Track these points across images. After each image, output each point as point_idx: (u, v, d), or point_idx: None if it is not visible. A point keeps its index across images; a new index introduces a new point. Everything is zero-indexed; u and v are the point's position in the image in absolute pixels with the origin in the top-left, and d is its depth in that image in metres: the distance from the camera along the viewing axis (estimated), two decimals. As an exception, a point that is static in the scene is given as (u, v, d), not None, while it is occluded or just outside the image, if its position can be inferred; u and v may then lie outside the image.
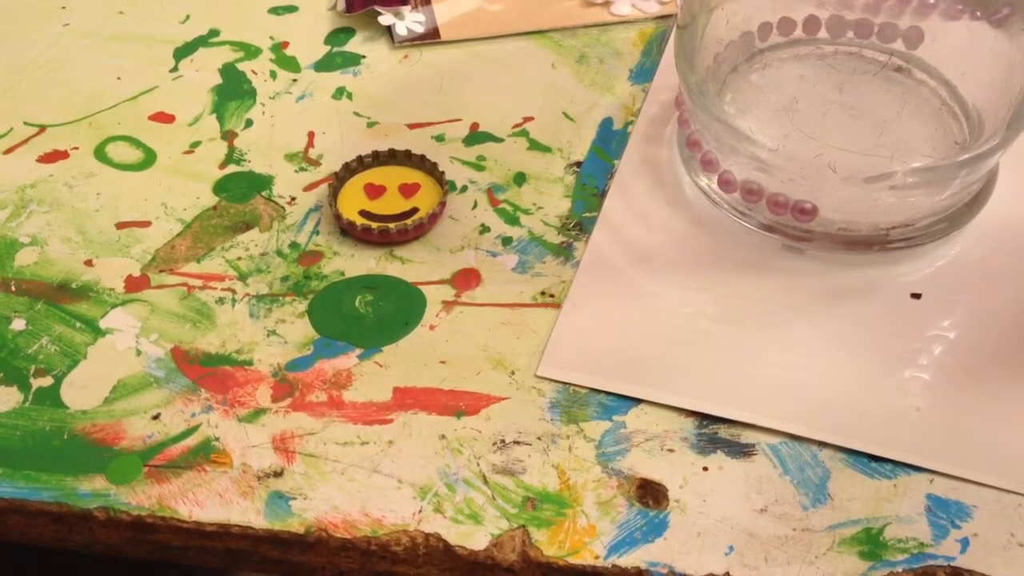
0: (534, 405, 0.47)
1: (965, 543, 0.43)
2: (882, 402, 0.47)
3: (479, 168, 0.56)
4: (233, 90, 0.59)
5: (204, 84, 0.60)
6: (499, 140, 0.57)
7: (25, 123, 0.58)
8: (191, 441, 0.46)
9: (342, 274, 0.51)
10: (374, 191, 0.54)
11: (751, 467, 0.45)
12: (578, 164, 0.56)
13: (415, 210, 0.53)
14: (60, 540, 0.45)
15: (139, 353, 0.48)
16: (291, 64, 0.61)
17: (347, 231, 0.53)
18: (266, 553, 0.44)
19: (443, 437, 0.46)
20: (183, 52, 0.62)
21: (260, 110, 0.58)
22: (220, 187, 0.55)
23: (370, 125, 0.58)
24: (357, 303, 0.50)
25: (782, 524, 0.43)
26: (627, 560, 0.42)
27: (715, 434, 0.46)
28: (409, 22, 0.63)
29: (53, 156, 0.56)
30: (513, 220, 0.53)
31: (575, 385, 0.47)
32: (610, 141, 0.57)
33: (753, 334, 0.49)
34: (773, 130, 0.51)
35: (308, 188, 0.55)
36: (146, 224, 0.53)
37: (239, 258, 0.52)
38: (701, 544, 0.43)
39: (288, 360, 0.48)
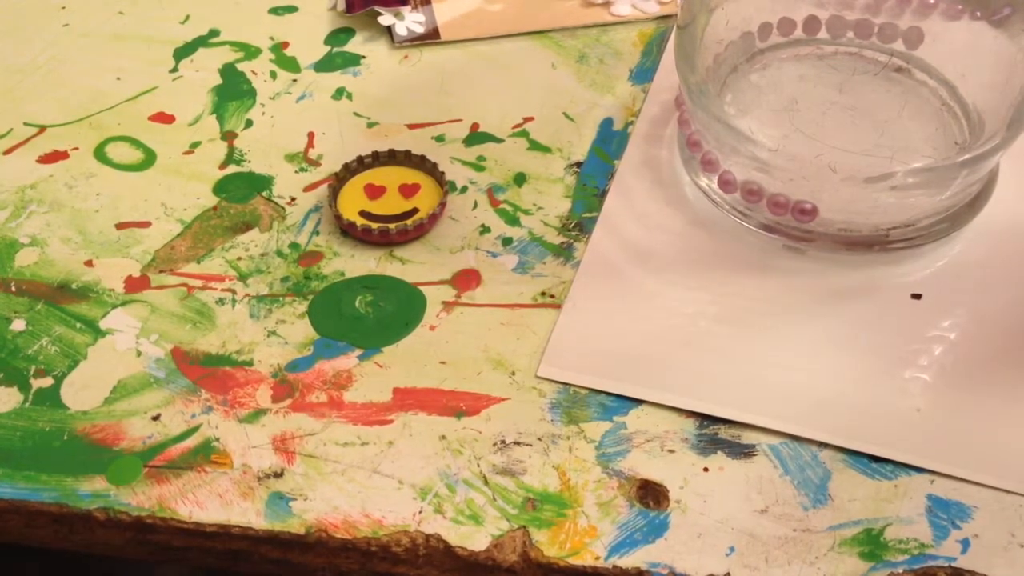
0: (534, 406, 0.47)
1: (966, 544, 0.43)
2: (882, 402, 0.47)
3: (479, 168, 0.56)
4: (233, 90, 0.59)
5: (204, 84, 0.60)
6: (499, 140, 0.57)
7: (25, 123, 0.58)
8: (191, 442, 0.46)
9: (342, 274, 0.51)
10: (374, 191, 0.54)
11: (752, 468, 0.45)
12: (578, 164, 0.56)
13: (415, 210, 0.53)
14: (60, 541, 0.45)
15: (139, 354, 0.48)
16: (291, 64, 0.61)
17: (347, 231, 0.53)
18: (266, 554, 0.44)
19: (443, 438, 0.46)
20: (183, 52, 0.62)
21: (260, 110, 0.58)
22: (220, 187, 0.55)
23: (370, 125, 0.58)
24: (357, 304, 0.50)
25: (783, 525, 0.43)
26: (628, 561, 0.42)
27: (715, 435, 0.46)
28: (409, 22, 0.63)
29: (53, 156, 0.56)
30: (513, 220, 0.53)
31: (575, 386, 0.47)
32: (610, 141, 0.57)
33: (753, 334, 0.49)
34: (773, 130, 0.51)
35: (308, 188, 0.55)
36: (146, 224, 0.53)
37: (239, 258, 0.52)
38: (702, 545, 0.43)
39: (288, 361, 0.48)
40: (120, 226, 0.53)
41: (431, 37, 0.62)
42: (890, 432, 0.46)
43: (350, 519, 0.43)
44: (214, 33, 0.63)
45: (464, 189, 0.55)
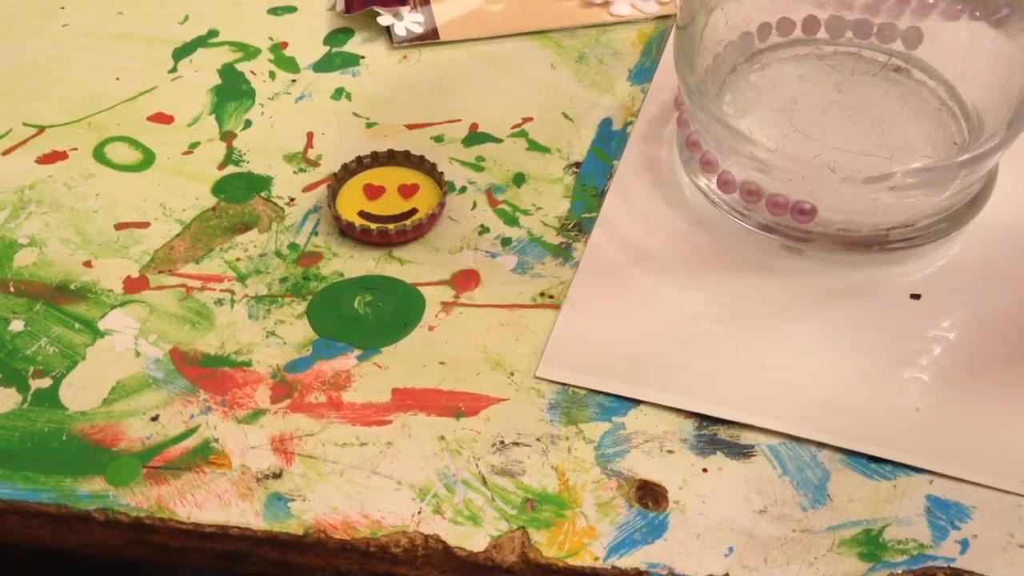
0: (533, 406, 0.47)
1: (965, 544, 0.43)
2: (882, 403, 0.47)
3: (478, 169, 0.56)
4: (232, 91, 0.59)
5: (203, 85, 0.60)
6: (498, 140, 0.57)
7: (24, 124, 0.58)
8: (190, 442, 0.46)
9: (341, 275, 0.51)
10: (373, 192, 0.54)
11: (750, 468, 0.45)
12: (577, 164, 0.56)
13: (414, 211, 0.53)
14: (59, 541, 0.45)
15: (138, 354, 0.48)
16: (290, 65, 0.61)
17: (346, 232, 0.53)
18: (265, 554, 0.44)
19: (442, 438, 0.46)
20: (182, 52, 0.62)
21: (259, 111, 0.58)
22: (219, 188, 0.55)
23: (369, 126, 0.58)
24: (356, 304, 0.50)
25: (782, 525, 0.43)
26: (627, 561, 0.42)
27: (714, 435, 0.46)
28: (408, 22, 0.63)
29: (52, 157, 0.56)
30: (512, 221, 0.53)
31: (574, 386, 0.47)
32: (609, 141, 0.57)
33: (752, 335, 0.49)
34: (772, 130, 0.51)
35: (307, 189, 0.55)
36: (145, 225, 0.53)
37: (238, 259, 0.52)
38: (701, 545, 0.43)
39: (287, 361, 0.48)
40: (119, 226, 0.53)
41: (430, 37, 0.62)
42: (889, 432, 0.46)
43: (349, 520, 0.43)
44: (213, 33, 0.63)
45: (463, 189, 0.55)
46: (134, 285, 0.51)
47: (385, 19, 0.62)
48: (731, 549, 0.43)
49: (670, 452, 0.45)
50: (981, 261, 0.51)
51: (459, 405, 0.47)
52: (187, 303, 0.50)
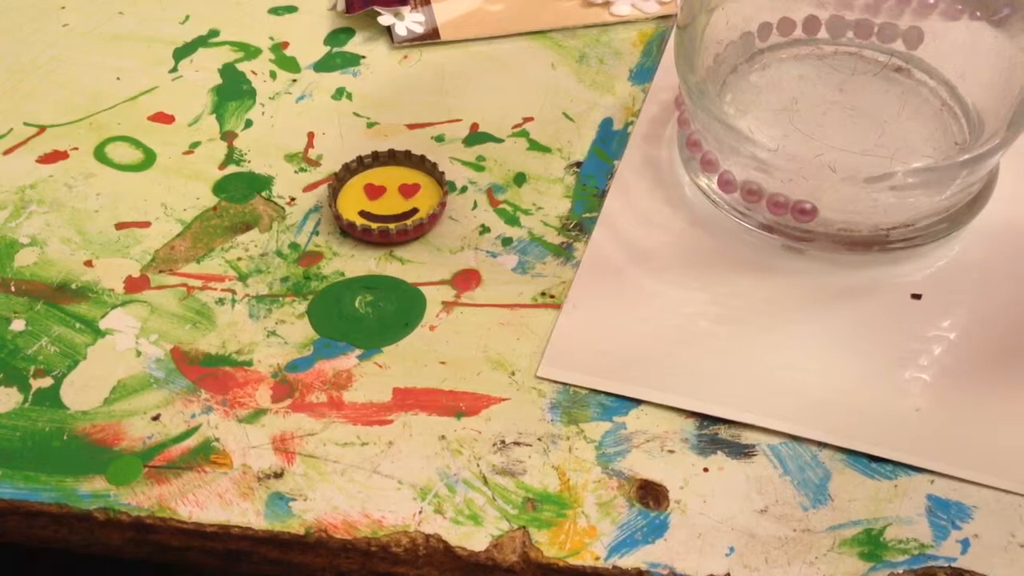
0: (534, 406, 0.47)
1: (966, 544, 0.43)
2: (882, 402, 0.47)
3: (479, 168, 0.56)
4: (233, 90, 0.59)
5: (204, 84, 0.60)
6: (499, 140, 0.57)
7: (25, 123, 0.58)
8: (191, 442, 0.46)
9: (342, 275, 0.51)
10: (374, 191, 0.54)
11: (751, 468, 0.45)
12: (578, 164, 0.56)
13: (415, 210, 0.53)
14: (60, 541, 0.45)
15: (139, 354, 0.48)
16: (291, 64, 0.61)
17: (347, 232, 0.53)
18: (266, 554, 0.44)
19: (443, 438, 0.46)
20: (183, 52, 0.62)
21: (260, 110, 0.58)
22: (220, 187, 0.55)
23: (370, 125, 0.58)
24: (357, 304, 0.50)
25: (782, 525, 0.43)
26: (628, 561, 0.42)
27: (715, 435, 0.46)
28: (409, 22, 0.63)
29: (53, 156, 0.56)
30: (513, 220, 0.53)
31: (575, 386, 0.47)
32: (610, 141, 0.57)
33: (753, 334, 0.49)
34: (773, 130, 0.51)
35: (308, 189, 0.55)
36: (146, 225, 0.53)
37: (239, 259, 0.52)
38: (701, 545, 0.43)
39: (288, 361, 0.48)
40: (120, 226, 0.53)
41: (431, 37, 0.62)
42: (890, 432, 0.46)
43: (350, 519, 0.43)
44: (214, 33, 0.63)
45: (464, 189, 0.55)
46: (135, 285, 0.51)
47: (386, 19, 0.63)
48: (732, 549, 0.43)
49: (671, 452, 0.45)
50: (981, 261, 0.51)
51: (460, 405, 0.47)
52: (188, 303, 0.50)
